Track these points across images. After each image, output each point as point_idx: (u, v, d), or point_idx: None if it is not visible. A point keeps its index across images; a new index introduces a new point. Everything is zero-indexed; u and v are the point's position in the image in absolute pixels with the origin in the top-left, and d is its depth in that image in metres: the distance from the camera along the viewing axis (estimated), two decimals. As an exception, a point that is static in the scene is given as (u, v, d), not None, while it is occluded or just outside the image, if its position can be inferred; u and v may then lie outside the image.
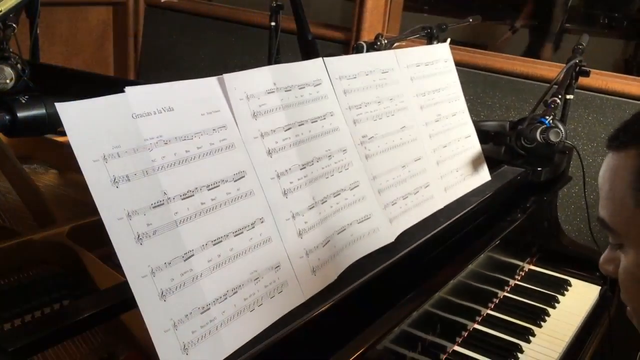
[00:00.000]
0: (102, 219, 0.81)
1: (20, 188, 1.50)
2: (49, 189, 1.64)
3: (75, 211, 1.48)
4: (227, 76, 1.02)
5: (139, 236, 0.83)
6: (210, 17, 3.58)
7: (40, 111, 1.05)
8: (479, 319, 1.58)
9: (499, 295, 1.69)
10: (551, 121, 1.64)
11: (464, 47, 3.11)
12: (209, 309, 0.89)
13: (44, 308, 1.14)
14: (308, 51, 2.14)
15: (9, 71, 1.73)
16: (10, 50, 1.86)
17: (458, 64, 2.89)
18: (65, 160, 1.71)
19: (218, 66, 3.52)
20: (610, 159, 0.82)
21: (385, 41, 1.92)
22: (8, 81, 1.71)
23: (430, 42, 2.09)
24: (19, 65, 1.80)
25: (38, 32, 2.60)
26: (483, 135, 1.82)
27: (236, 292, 0.94)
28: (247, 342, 0.93)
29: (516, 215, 1.69)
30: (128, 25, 3.65)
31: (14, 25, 1.89)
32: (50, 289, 1.17)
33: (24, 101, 1.03)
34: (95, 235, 1.26)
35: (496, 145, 1.89)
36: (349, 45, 3.15)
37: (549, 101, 1.70)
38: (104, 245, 1.28)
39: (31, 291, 1.15)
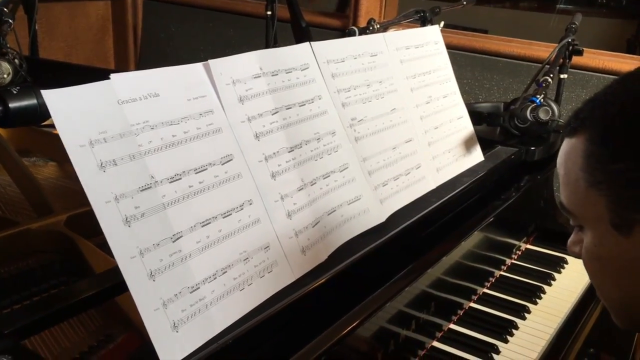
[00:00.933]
0: (90, 202, 0.83)
1: (20, 181, 1.53)
2: (49, 181, 1.67)
3: (74, 201, 1.51)
4: (212, 62, 1.04)
5: (126, 219, 0.86)
6: (207, 8, 3.60)
7: (31, 101, 1.08)
8: (474, 297, 1.60)
9: (495, 274, 1.71)
10: (542, 100, 1.65)
11: (461, 31, 3.12)
12: (198, 288, 0.92)
13: (42, 294, 1.16)
14: (302, 39, 2.15)
15: (6, 66, 1.76)
16: (8, 45, 1.89)
17: (456, 47, 2.91)
18: (63, 152, 1.74)
19: (217, 57, 3.53)
20: (565, 144, 0.86)
21: (378, 26, 1.93)
22: (5, 76, 1.75)
23: (423, 26, 2.09)
24: (16, 61, 1.83)
25: (37, 28, 2.64)
26: (478, 117, 1.83)
27: (226, 272, 0.96)
28: (237, 320, 0.95)
29: (510, 194, 1.70)
30: (127, 19, 3.67)
31: (10, 21, 1.92)
32: (48, 276, 1.20)
33: (15, 92, 1.06)
34: (92, 224, 1.29)
35: (491, 126, 1.90)
36: (346, 33, 3.16)
37: (540, 80, 1.71)
38: (100, 232, 1.32)
39: (30, 279, 1.18)
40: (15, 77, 1.80)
